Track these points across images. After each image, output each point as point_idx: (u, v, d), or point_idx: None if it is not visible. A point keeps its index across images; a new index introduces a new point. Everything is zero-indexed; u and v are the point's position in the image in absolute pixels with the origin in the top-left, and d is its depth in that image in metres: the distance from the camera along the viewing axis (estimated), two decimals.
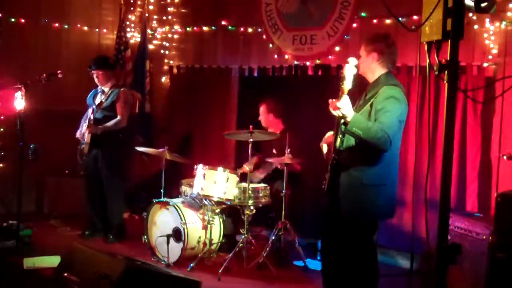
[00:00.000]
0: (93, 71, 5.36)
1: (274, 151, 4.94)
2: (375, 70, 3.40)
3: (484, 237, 3.57)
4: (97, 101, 5.36)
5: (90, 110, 5.40)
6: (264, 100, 5.35)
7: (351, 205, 3.31)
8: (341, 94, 3.07)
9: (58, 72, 4.81)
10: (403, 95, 3.29)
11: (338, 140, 3.36)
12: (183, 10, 6.66)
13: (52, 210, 6.23)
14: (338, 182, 3.35)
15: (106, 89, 5.38)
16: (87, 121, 5.30)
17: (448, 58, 2.03)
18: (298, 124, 5.41)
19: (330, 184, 3.39)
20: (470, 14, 4.25)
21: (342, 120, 3.14)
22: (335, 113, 3.07)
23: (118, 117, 5.26)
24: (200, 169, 4.79)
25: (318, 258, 4.99)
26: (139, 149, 5.34)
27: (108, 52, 6.69)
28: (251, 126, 4.64)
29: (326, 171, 3.44)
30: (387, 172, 3.30)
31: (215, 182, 4.69)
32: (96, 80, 5.38)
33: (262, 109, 5.34)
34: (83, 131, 5.32)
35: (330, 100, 3.10)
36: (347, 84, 3.07)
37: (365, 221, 3.37)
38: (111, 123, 5.23)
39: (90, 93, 5.52)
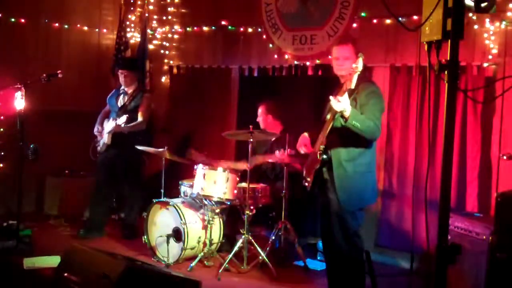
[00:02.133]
0: (121, 71, 5.43)
1: (276, 152, 4.94)
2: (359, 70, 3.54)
3: (484, 237, 3.57)
4: (120, 103, 5.42)
5: (102, 113, 5.46)
6: (263, 102, 5.36)
7: (348, 194, 3.52)
8: (345, 89, 3.33)
9: (58, 72, 4.81)
10: (380, 91, 3.69)
11: (324, 137, 3.52)
12: (183, 10, 6.66)
13: (52, 211, 6.23)
14: (325, 177, 3.58)
15: (129, 91, 5.45)
16: (109, 122, 5.32)
17: (448, 58, 2.02)
18: (298, 124, 5.40)
19: (319, 181, 3.59)
20: (470, 14, 4.25)
21: (340, 115, 3.36)
22: (337, 107, 3.25)
23: (140, 119, 5.34)
24: (200, 169, 4.79)
25: (318, 258, 5.00)
26: (139, 147, 5.34)
27: (108, 52, 6.70)
28: (251, 126, 4.64)
29: (308, 170, 3.65)
30: (373, 161, 3.66)
31: (215, 182, 4.70)
32: (122, 80, 5.45)
33: (261, 110, 5.34)
34: (105, 131, 5.34)
35: (331, 97, 3.31)
36: (355, 79, 3.29)
37: (360, 208, 3.62)
38: (133, 124, 5.30)
39: (111, 93, 5.59)
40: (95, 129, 5.49)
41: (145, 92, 5.59)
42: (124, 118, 5.19)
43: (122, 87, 5.53)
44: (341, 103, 3.24)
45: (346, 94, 3.28)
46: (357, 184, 3.54)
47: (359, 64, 3.28)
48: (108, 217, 5.80)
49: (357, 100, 3.48)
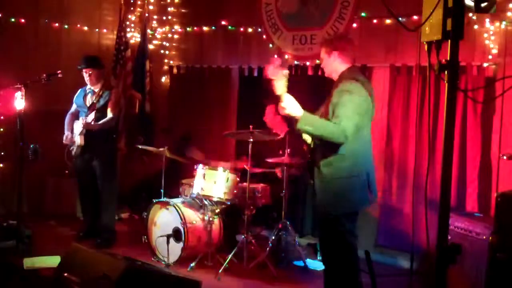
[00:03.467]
0: (84, 70, 5.25)
1: (280, 152, 4.94)
2: (337, 68, 3.48)
3: (484, 237, 3.57)
4: (88, 102, 5.27)
5: (69, 116, 5.35)
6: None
7: (323, 199, 3.36)
8: (280, 93, 3.21)
9: (58, 72, 4.79)
10: (359, 88, 3.29)
11: (310, 139, 3.46)
12: (183, 10, 6.66)
13: (52, 211, 6.23)
14: (312, 181, 3.47)
15: (96, 89, 5.28)
16: (79, 122, 5.19)
17: (448, 58, 2.02)
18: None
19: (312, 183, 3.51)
20: (470, 14, 4.25)
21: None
22: (282, 111, 3.20)
23: (110, 115, 5.18)
24: (200, 169, 4.80)
25: (318, 258, 4.99)
26: (140, 146, 5.33)
27: (108, 52, 6.70)
28: (251, 126, 4.64)
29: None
30: (356, 164, 3.31)
31: (215, 182, 4.70)
32: (87, 79, 5.27)
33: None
34: (76, 133, 5.20)
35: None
36: (278, 84, 3.21)
37: (339, 214, 3.34)
38: (104, 121, 5.15)
39: (78, 93, 5.42)
40: (64, 138, 5.28)
41: (112, 88, 5.37)
42: (92, 115, 5.11)
43: (89, 86, 5.35)
44: (285, 109, 3.16)
45: (286, 97, 3.18)
46: (334, 190, 3.31)
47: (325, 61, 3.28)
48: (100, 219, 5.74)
49: (331, 100, 3.33)
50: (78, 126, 5.22)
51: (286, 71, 3.20)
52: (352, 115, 3.19)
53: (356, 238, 3.45)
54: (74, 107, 5.47)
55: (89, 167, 5.28)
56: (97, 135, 5.16)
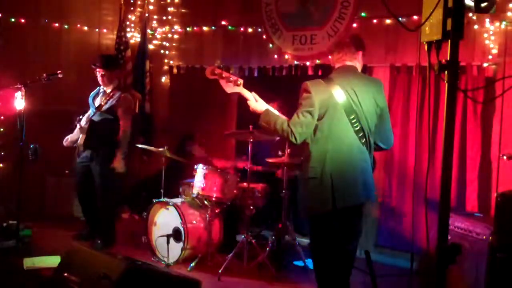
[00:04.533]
0: (98, 70, 5.16)
1: (280, 152, 4.94)
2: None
3: (484, 237, 3.57)
4: (97, 102, 5.21)
5: (85, 117, 5.33)
6: (277, 99, 5.36)
7: (298, 200, 3.28)
8: (245, 95, 3.29)
9: (58, 72, 4.78)
10: (316, 87, 3.14)
11: None
12: (183, 10, 6.66)
13: (52, 211, 6.23)
14: None
15: (108, 90, 5.20)
16: (77, 127, 5.17)
17: (448, 58, 2.02)
18: None
19: None
20: (470, 14, 4.25)
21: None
22: (252, 109, 3.25)
23: (122, 131, 5.07)
24: (200, 169, 4.80)
25: None
26: (140, 146, 5.33)
27: (108, 52, 6.69)
28: (251, 126, 4.64)
29: None
30: (319, 166, 3.08)
31: (215, 182, 4.70)
32: (99, 79, 5.19)
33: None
34: (79, 137, 5.15)
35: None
36: (224, 84, 3.32)
37: (310, 216, 3.20)
38: (121, 143, 5.06)
39: (92, 93, 5.36)
40: (69, 138, 5.25)
41: (123, 92, 5.22)
42: (84, 119, 5.05)
43: (101, 86, 5.29)
44: (250, 105, 3.25)
45: (249, 93, 3.26)
46: (302, 190, 3.19)
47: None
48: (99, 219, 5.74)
49: None
50: (75, 133, 5.17)
51: (230, 72, 3.24)
52: (301, 115, 3.09)
53: (342, 237, 3.17)
54: None
55: (87, 172, 5.20)
56: (99, 136, 5.11)
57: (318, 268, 3.28)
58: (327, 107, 3.09)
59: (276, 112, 3.25)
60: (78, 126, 5.21)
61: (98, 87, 5.34)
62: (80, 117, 5.29)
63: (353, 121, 3.12)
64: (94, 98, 5.31)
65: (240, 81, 3.31)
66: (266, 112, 3.21)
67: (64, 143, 5.30)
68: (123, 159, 5.07)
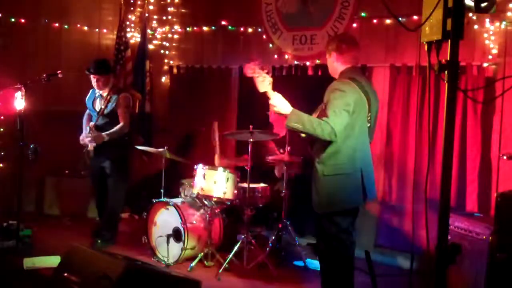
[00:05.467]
0: (92, 76, 5.16)
1: (281, 150, 4.94)
2: (338, 68, 3.50)
3: (484, 237, 3.57)
4: (97, 107, 5.21)
5: (86, 116, 5.33)
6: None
7: (317, 197, 3.38)
8: (267, 93, 3.25)
9: (58, 72, 4.78)
10: (349, 87, 3.29)
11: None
12: (183, 10, 6.66)
13: (52, 211, 6.23)
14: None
15: (104, 94, 5.18)
16: (88, 127, 5.18)
17: (448, 58, 2.02)
18: None
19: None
20: (470, 14, 4.25)
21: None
22: (272, 108, 3.26)
23: (121, 123, 5.09)
24: (200, 169, 4.79)
25: (318, 258, 5.00)
26: (139, 147, 5.33)
27: (108, 52, 6.70)
28: (251, 126, 4.64)
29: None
30: (350, 162, 3.30)
31: (215, 182, 4.70)
32: (94, 84, 5.19)
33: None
34: (86, 139, 5.12)
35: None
36: (259, 82, 3.24)
37: (332, 212, 3.36)
38: (114, 130, 5.06)
39: (89, 95, 5.36)
40: (80, 138, 5.16)
41: (120, 92, 5.21)
42: (90, 136, 4.97)
43: (97, 90, 5.28)
44: (274, 106, 3.23)
45: (274, 96, 3.24)
46: (328, 187, 3.32)
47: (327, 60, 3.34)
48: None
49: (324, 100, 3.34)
50: (88, 131, 5.12)
51: (265, 71, 3.28)
52: (339, 113, 3.19)
53: (352, 236, 3.44)
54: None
55: (101, 168, 5.25)
56: (109, 141, 5.08)
57: (341, 265, 3.41)
58: (358, 106, 3.28)
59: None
60: (88, 130, 5.12)
61: (92, 89, 5.33)
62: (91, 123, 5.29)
63: (368, 119, 3.39)
64: (93, 103, 5.29)
65: (271, 80, 3.31)
66: (295, 112, 3.25)
67: (81, 142, 5.30)
68: (99, 138, 4.96)
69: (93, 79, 5.17)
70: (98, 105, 5.23)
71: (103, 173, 5.26)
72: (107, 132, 5.02)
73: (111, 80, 5.27)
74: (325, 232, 3.40)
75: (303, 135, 3.35)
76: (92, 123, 5.06)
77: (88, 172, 5.45)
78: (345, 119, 3.21)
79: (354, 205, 3.43)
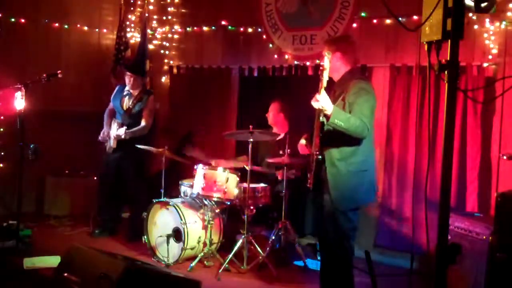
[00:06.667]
0: (129, 74, 5.45)
1: (280, 152, 4.94)
2: (340, 68, 3.60)
3: (484, 237, 3.57)
4: (125, 105, 5.43)
5: (107, 112, 5.49)
6: (277, 99, 5.37)
7: (341, 193, 3.47)
8: (320, 87, 3.29)
9: (58, 72, 4.78)
10: (371, 87, 3.55)
11: (317, 138, 3.51)
12: (183, 10, 6.66)
13: (52, 211, 6.22)
14: (321, 177, 3.53)
15: (135, 94, 5.47)
16: (114, 126, 5.32)
17: (448, 58, 2.02)
18: (298, 124, 5.41)
19: (315, 180, 3.55)
20: (470, 14, 4.25)
21: (323, 115, 3.36)
22: (316, 105, 3.29)
23: (143, 124, 5.36)
24: (200, 169, 4.79)
25: (318, 258, 4.99)
26: (140, 146, 5.33)
27: (108, 52, 6.70)
28: (251, 126, 4.64)
29: (309, 170, 3.60)
30: (367, 159, 3.54)
31: (215, 182, 4.69)
32: (128, 82, 5.47)
33: (274, 106, 5.36)
34: (112, 134, 5.33)
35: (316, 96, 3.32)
36: (326, 77, 3.31)
37: (354, 207, 3.54)
38: (136, 129, 5.32)
39: (115, 93, 5.57)
40: (101, 134, 5.44)
41: (150, 95, 5.55)
42: (122, 130, 5.21)
43: (127, 88, 5.52)
44: (319, 102, 3.25)
45: (323, 92, 3.27)
46: (350, 183, 3.47)
47: (325, 63, 3.34)
48: (119, 216, 5.81)
49: (346, 99, 3.44)
50: (114, 130, 5.31)
51: (322, 63, 3.36)
52: (368, 113, 3.40)
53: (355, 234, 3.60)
54: (111, 104, 5.60)
55: (115, 166, 5.41)
56: (128, 139, 5.27)
57: (345, 264, 3.52)
58: (375, 106, 3.50)
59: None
60: (115, 125, 5.34)
61: (118, 86, 5.51)
62: (115, 120, 5.45)
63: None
64: (121, 101, 5.48)
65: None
66: (338, 110, 3.33)
67: (100, 138, 5.45)
68: (120, 136, 5.22)
69: (129, 78, 5.46)
70: (126, 103, 5.45)
71: (119, 171, 5.40)
72: (130, 130, 5.26)
73: (144, 81, 5.64)
74: (340, 228, 3.48)
75: (328, 128, 3.44)
76: (118, 123, 5.30)
77: (102, 169, 5.57)
78: (373, 119, 3.46)
79: (367, 202, 3.71)
